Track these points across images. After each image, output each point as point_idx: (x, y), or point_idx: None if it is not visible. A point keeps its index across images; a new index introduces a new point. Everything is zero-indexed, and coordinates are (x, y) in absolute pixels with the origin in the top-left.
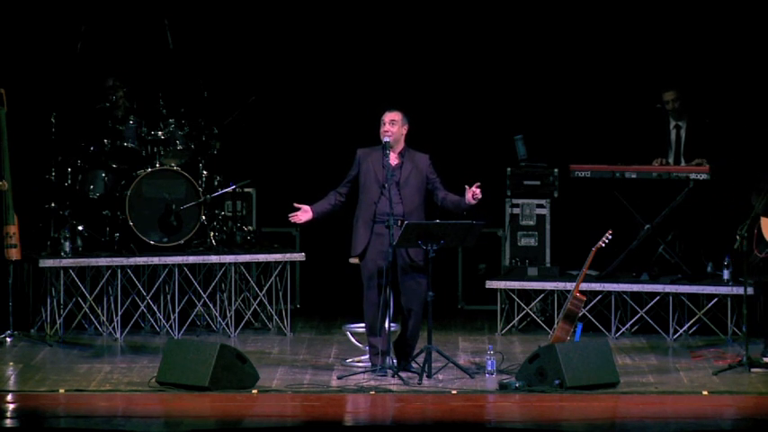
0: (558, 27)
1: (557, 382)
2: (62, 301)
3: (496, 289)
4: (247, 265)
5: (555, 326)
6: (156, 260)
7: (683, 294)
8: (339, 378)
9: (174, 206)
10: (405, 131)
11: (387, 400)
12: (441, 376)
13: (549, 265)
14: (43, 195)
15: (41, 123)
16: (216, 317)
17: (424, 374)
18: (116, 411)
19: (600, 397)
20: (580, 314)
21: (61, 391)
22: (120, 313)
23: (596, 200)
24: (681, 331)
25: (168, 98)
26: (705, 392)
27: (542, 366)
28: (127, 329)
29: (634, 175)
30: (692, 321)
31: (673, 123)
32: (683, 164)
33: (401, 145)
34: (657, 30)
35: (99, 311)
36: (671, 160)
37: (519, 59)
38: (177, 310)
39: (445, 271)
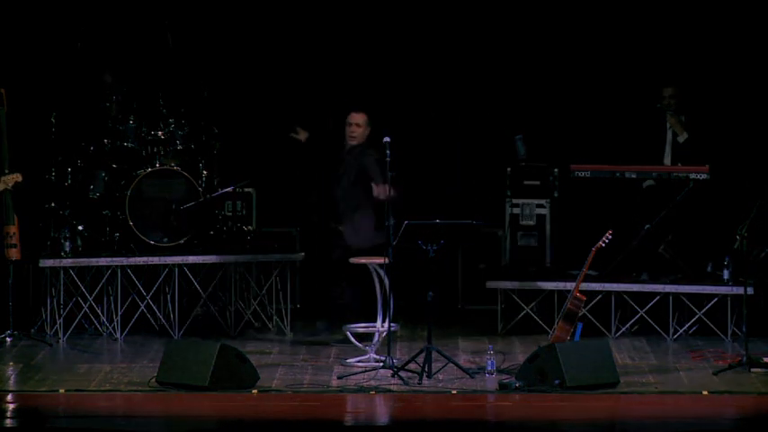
0: (558, 27)
1: (557, 382)
2: (62, 301)
3: (496, 289)
4: (247, 265)
5: (555, 326)
6: (156, 260)
7: (683, 294)
8: (339, 378)
9: (174, 206)
10: (368, 133)
11: (387, 400)
12: (441, 376)
13: (549, 265)
14: (43, 195)
15: (41, 123)
16: (215, 317)
17: (424, 374)
18: (116, 411)
19: (600, 397)
20: (580, 314)
21: (61, 391)
22: (120, 313)
23: (596, 200)
24: (681, 331)
25: (168, 98)
26: (705, 392)
27: (542, 366)
28: (127, 329)
29: (634, 175)
30: (692, 321)
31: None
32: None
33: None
34: (657, 29)
35: (99, 311)
36: (668, 161)
37: (519, 59)
38: (177, 310)
39: (445, 271)
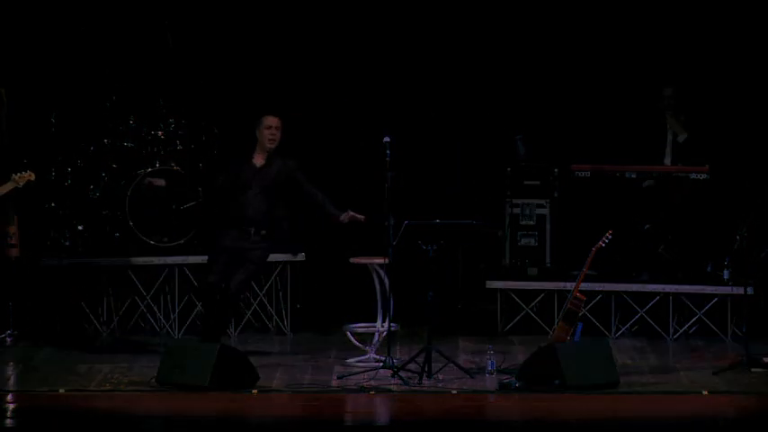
0: (558, 27)
1: (557, 382)
2: (62, 301)
3: (496, 289)
4: None
5: (555, 326)
6: (156, 260)
7: (683, 294)
8: (339, 378)
9: (174, 206)
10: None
11: (387, 400)
12: (441, 376)
13: (549, 265)
14: (43, 195)
15: (41, 123)
16: None
17: (424, 374)
18: (116, 411)
19: (600, 397)
20: (580, 314)
21: (61, 391)
22: (120, 313)
23: (596, 200)
24: (681, 331)
25: (168, 98)
26: (705, 392)
27: (542, 366)
28: (127, 329)
29: (634, 175)
30: (692, 321)
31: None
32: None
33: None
34: (657, 29)
35: (99, 311)
36: (668, 161)
37: (519, 59)
38: (177, 310)
39: (445, 271)
